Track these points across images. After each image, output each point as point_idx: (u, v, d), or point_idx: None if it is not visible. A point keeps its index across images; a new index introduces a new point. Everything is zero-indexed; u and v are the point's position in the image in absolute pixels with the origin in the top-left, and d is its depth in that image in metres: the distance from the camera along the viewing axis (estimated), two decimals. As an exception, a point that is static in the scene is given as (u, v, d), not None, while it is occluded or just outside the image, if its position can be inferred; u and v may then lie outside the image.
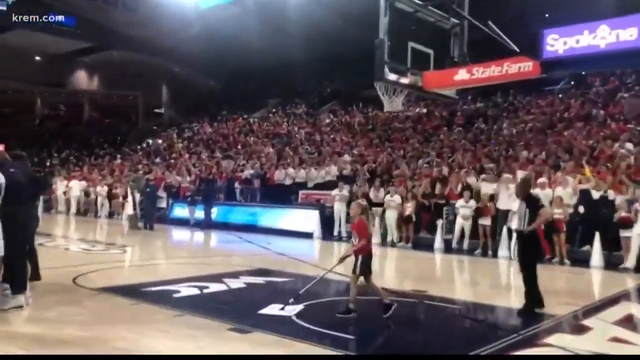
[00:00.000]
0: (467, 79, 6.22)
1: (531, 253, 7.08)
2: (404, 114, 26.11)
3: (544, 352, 5.46)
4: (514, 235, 12.29)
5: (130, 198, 17.86)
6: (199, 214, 19.20)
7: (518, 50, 5.96)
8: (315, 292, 7.55)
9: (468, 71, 6.23)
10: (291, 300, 6.86)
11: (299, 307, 6.74)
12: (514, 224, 12.27)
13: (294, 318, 6.41)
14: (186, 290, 7.83)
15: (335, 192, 16.24)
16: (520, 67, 5.83)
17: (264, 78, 35.90)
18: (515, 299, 7.66)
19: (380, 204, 15.58)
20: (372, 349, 5.67)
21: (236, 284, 8.54)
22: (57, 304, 6.73)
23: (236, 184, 21.25)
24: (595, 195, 12.62)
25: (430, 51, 6.99)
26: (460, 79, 6.32)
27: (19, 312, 6.29)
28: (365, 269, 6.48)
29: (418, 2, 6.92)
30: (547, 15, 19.22)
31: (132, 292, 7.64)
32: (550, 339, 5.86)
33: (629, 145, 15.02)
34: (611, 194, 12.38)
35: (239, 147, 27.41)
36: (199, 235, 17.28)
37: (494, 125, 21.10)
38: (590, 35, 5.19)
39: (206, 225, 18.47)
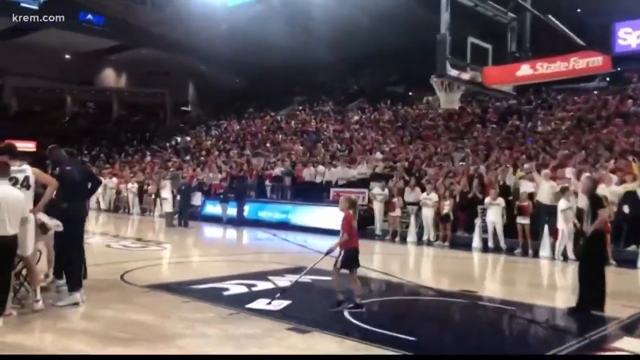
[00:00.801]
0: (530, 74, 6.03)
1: (596, 253, 6.86)
2: (435, 110, 25.90)
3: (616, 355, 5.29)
4: (561, 234, 12.11)
5: (169, 195, 17.94)
6: (231, 211, 19.21)
7: (584, 44, 5.75)
8: (372, 291, 7.48)
9: (531, 67, 6.04)
10: (278, 294, 6.91)
11: (286, 302, 6.73)
12: (561, 222, 12.11)
13: (350, 318, 6.31)
14: (235, 288, 7.80)
15: (376, 190, 16.06)
16: (588, 62, 5.62)
17: (289, 75, 35.90)
18: (569, 301, 7.42)
19: (416, 203, 15.41)
20: (436, 351, 5.54)
21: (283, 282, 8.44)
22: (111, 301, 6.73)
23: (267, 182, 21.26)
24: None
25: (489, 46, 6.83)
26: (522, 75, 6.12)
27: (75, 309, 6.30)
28: (350, 263, 6.63)
29: (478, -4, 6.77)
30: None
31: (182, 289, 7.63)
32: (618, 344, 5.68)
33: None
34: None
35: (268, 144, 27.40)
36: (234, 233, 17.30)
37: (529, 123, 20.74)
38: (669, 28, 5.00)
39: (239, 222, 18.48)
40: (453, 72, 6.39)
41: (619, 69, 5.89)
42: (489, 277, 11.29)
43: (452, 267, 11.98)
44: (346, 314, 6.45)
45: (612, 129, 17.14)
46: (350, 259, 6.67)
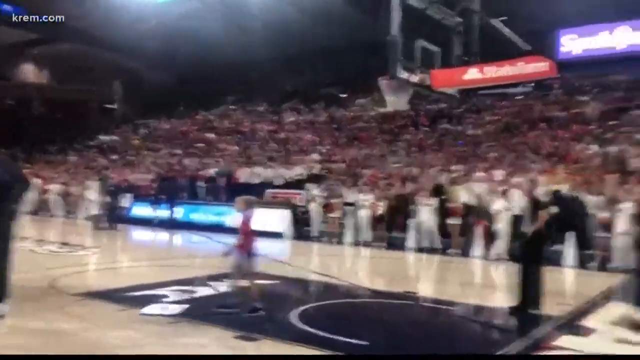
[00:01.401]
0: (478, 78, 6.12)
1: (536, 253, 7.06)
2: (368, 113, 26.24)
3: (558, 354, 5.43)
4: (499, 235, 12.45)
5: (96, 197, 17.11)
6: (162, 213, 18.60)
7: (530, 48, 5.89)
8: (319, 294, 7.36)
9: (479, 70, 6.13)
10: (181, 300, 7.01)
11: (183, 307, 6.67)
12: (500, 224, 12.45)
13: (297, 323, 6.19)
14: (174, 295, 7.46)
15: (315, 192, 16.03)
16: (535, 67, 5.76)
17: (221, 74, 35.23)
18: (508, 300, 7.61)
19: (352, 204, 15.49)
20: (384, 352, 5.50)
21: (224, 287, 8.17)
22: (41, 311, 6.27)
23: (200, 183, 20.74)
24: (567, 195, 12.84)
25: (438, 49, 6.88)
26: (470, 79, 6.22)
27: (1, 322, 5.80)
28: (242, 266, 6.59)
29: (428, -2, 6.78)
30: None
31: (117, 297, 7.24)
32: (558, 342, 5.83)
33: (594, 146, 15.44)
34: (582, 194, 12.63)
35: (200, 144, 26.79)
36: (166, 236, 16.71)
37: (459, 126, 21.34)
38: (610, 36, 5.16)
39: (170, 224, 17.91)
40: (404, 74, 6.39)
41: (559, 75, 6.02)
42: (428, 277, 11.46)
43: (390, 268, 12.06)
44: (293, 320, 6.32)
45: (537, 133, 17.89)
46: (245, 262, 6.56)
